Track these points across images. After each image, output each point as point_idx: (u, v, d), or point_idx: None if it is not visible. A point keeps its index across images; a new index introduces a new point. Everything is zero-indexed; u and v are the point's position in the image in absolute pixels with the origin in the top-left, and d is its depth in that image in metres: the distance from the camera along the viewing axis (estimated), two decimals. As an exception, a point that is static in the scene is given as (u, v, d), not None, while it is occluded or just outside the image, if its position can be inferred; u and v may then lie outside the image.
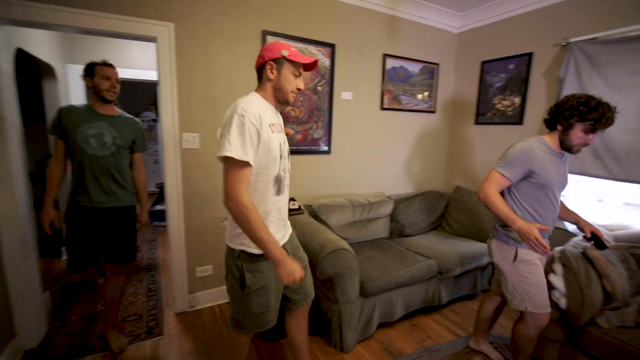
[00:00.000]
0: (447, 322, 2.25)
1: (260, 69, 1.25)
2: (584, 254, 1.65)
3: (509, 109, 2.80)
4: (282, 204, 1.30)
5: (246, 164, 1.10)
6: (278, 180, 1.24)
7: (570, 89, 2.30)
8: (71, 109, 1.69)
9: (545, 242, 1.37)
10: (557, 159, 1.51)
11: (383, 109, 2.91)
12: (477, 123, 3.08)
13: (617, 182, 2.15)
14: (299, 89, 1.27)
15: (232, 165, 1.09)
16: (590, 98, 1.39)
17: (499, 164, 1.52)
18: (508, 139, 2.77)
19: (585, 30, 2.26)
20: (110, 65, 1.72)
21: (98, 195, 1.71)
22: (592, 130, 1.39)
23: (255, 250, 1.19)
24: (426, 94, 3.14)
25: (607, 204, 2.34)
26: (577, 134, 1.42)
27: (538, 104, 2.58)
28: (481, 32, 2.97)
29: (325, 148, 2.69)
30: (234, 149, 1.07)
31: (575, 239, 1.86)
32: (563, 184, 1.54)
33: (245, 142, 1.09)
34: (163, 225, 4.17)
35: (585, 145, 1.45)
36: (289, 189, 1.37)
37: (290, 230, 1.42)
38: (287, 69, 1.23)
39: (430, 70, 3.11)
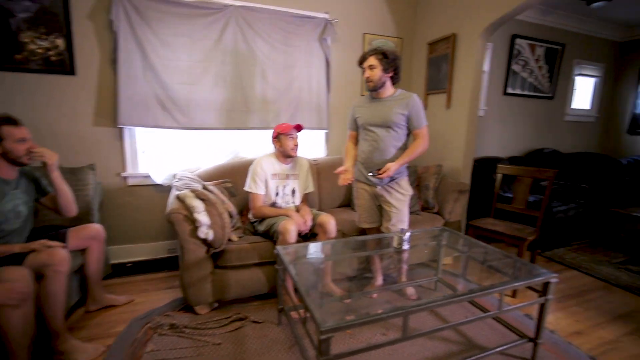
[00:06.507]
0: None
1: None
2: (205, 187, 1.84)
3: (51, 52, 2.17)
4: None
5: None
6: None
7: (126, 40, 2.21)
8: None
9: None
10: None
11: None
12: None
13: (184, 130, 2.48)
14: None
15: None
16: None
17: None
18: (57, 93, 2.20)
19: (128, -23, 2.20)
20: None
21: None
22: None
23: None
24: None
25: (150, 154, 2.49)
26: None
27: (91, 52, 2.24)
28: None
29: None
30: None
31: (176, 182, 1.99)
32: None
33: None
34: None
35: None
36: None
37: None
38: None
39: None
